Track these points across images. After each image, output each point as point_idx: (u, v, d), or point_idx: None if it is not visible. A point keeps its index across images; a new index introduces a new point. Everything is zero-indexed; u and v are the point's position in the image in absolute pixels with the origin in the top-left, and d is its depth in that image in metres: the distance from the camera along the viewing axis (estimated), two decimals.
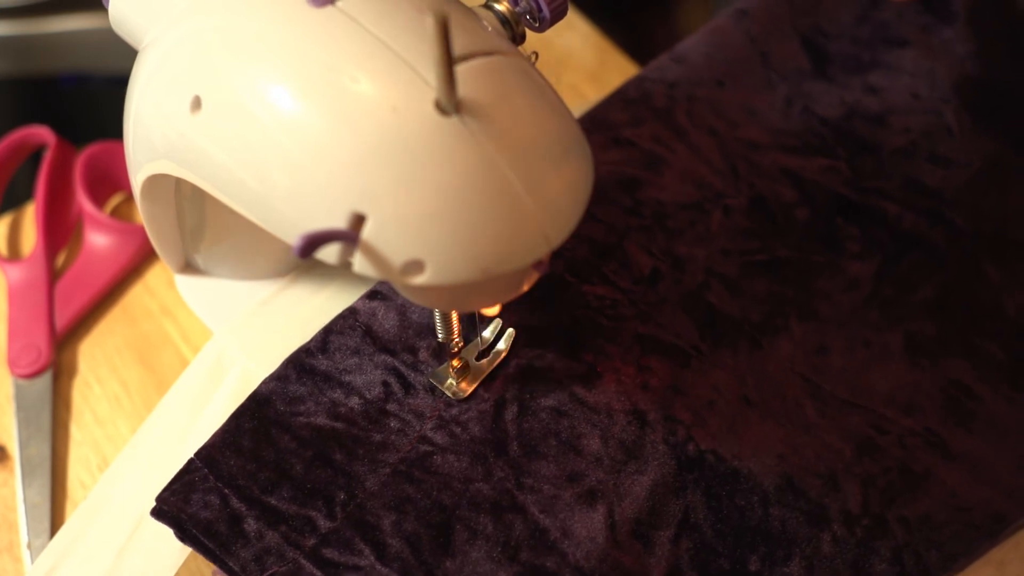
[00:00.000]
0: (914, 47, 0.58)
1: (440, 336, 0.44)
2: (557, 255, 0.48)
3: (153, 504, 0.42)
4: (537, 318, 0.47)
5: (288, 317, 0.50)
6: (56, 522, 0.48)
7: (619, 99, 0.56)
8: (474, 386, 0.45)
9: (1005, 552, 0.46)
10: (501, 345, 0.46)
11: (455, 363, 0.45)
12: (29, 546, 0.47)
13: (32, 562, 0.47)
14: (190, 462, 0.43)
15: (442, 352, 0.46)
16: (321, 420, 0.44)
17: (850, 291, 0.51)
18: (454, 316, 0.44)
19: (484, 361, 0.46)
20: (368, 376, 0.46)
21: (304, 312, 0.50)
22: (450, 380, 0.45)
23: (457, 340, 0.44)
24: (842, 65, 0.58)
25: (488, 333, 0.46)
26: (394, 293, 0.48)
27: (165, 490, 0.43)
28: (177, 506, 0.42)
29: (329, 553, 0.41)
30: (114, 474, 0.47)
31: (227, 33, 0.36)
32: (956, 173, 0.55)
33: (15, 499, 0.49)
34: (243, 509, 0.42)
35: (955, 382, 0.49)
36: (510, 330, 0.46)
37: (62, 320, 0.53)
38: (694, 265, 0.50)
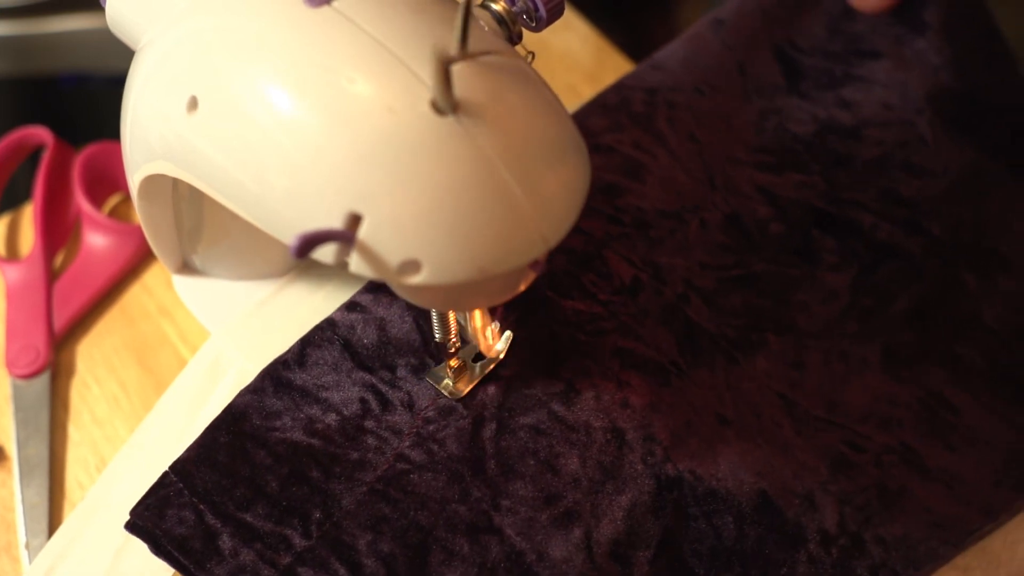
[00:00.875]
0: (887, 59, 0.57)
1: (437, 336, 0.44)
2: None
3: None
4: (517, 334, 0.46)
5: (285, 318, 0.50)
6: (54, 522, 0.48)
7: (598, 105, 0.55)
8: (471, 386, 0.45)
9: (969, 559, 0.46)
10: (499, 346, 0.46)
11: (452, 363, 0.45)
12: (27, 546, 0.47)
13: (30, 562, 0.46)
14: (164, 475, 0.43)
15: (422, 367, 0.46)
16: (297, 436, 0.44)
17: (827, 302, 0.50)
18: (451, 316, 0.44)
19: (480, 363, 0.46)
20: (346, 393, 0.45)
21: (301, 313, 0.50)
22: (447, 380, 0.45)
23: (454, 340, 0.44)
24: (815, 81, 0.57)
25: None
26: (374, 306, 0.47)
27: (139, 504, 0.42)
28: (152, 521, 0.42)
29: (304, 572, 0.41)
30: (112, 475, 0.47)
31: (223, 34, 0.36)
32: (932, 183, 0.54)
33: (13, 499, 0.49)
34: (218, 525, 0.42)
35: (934, 393, 0.48)
36: (508, 333, 0.46)
37: (60, 320, 0.53)
38: (674, 275, 0.50)
